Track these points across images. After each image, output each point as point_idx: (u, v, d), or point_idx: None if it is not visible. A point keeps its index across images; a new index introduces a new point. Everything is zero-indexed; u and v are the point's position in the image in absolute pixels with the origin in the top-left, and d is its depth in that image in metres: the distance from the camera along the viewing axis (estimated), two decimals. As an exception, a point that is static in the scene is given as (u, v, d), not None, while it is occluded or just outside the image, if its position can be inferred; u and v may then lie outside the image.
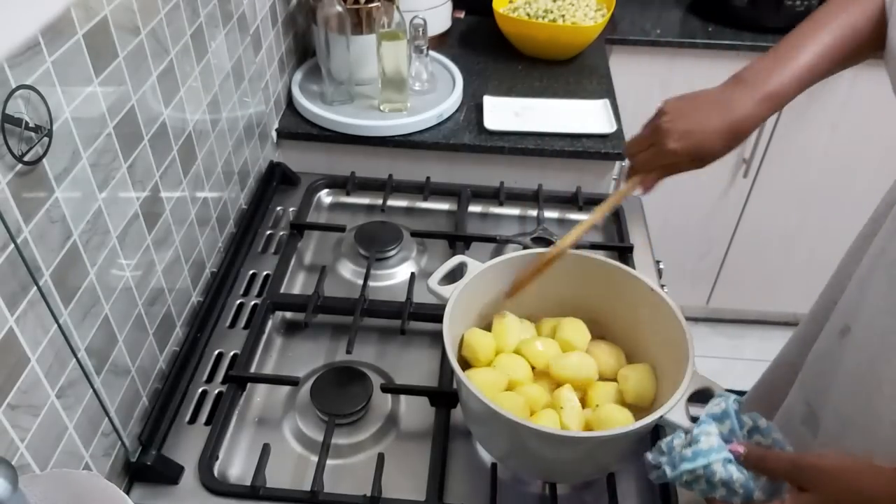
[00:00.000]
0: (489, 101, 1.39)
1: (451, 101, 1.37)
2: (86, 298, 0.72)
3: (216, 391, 0.94)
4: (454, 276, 0.87)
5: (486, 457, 0.86)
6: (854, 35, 0.76)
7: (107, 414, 0.77)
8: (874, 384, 0.70)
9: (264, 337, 1.01)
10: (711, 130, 0.75)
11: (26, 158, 0.60)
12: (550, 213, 1.23)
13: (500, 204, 1.24)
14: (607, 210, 0.84)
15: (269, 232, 1.19)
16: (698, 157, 0.76)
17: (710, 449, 0.65)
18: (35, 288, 0.63)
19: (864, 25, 0.76)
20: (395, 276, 1.12)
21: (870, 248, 0.76)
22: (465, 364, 0.85)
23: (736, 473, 0.64)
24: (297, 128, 1.35)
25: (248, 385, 0.94)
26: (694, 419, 0.71)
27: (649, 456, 0.69)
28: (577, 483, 0.86)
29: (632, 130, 1.38)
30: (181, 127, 0.92)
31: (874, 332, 0.71)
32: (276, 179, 1.27)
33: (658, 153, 0.78)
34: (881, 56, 0.76)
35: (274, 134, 1.33)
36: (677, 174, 0.79)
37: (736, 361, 2.26)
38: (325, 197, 1.29)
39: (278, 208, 1.24)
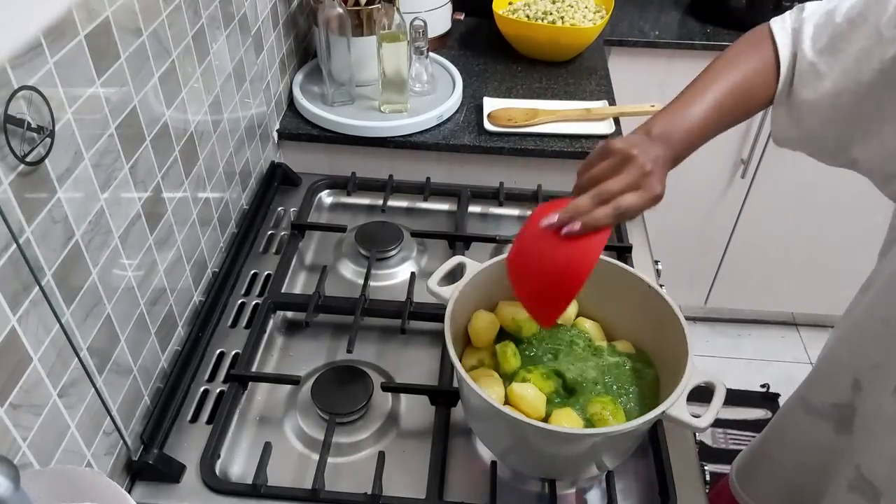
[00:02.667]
0: (489, 102, 1.40)
1: (451, 102, 1.37)
2: (88, 298, 0.72)
3: (218, 390, 0.94)
4: (454, 276, 0.87)
5: (486, 455, 0.87)
6: (745, 89, 0.76)
7: (109, 413, 0.77)
8: None
9: (265, 336, 1.02)
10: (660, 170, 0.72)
11: (28, 159, 0.61)
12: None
13: (500, 204, 1.25)
14: None
15: (270, 232, 1.19)
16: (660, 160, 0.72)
17: None
18: (37, 288, 0.63)
19: (754, 81, 0.76)
20: (396, 275, 1.12)
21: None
22: (466, 342, 0.86)
23: None
24: (298, 128, 1.35)
25: (250, 384, 0.94)
26: (695, 416, 0.71)
27: None
28: (576, 481, 0.86)
29: (631, 131, 1.39)
30: (183, 128, 0.92)
31: None
32: (278, 180, 1.27)
33: (621, 157, 0.71)
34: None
35: (275, 134, 1.33)
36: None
37: (734, 361, 2.26)
38: (326, 197, 1.29)
39: (279, 208, 1.24)
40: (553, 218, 0.70)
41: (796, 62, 0.75)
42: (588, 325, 0.89)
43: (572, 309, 0.88)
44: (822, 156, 0.77)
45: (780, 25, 0.77)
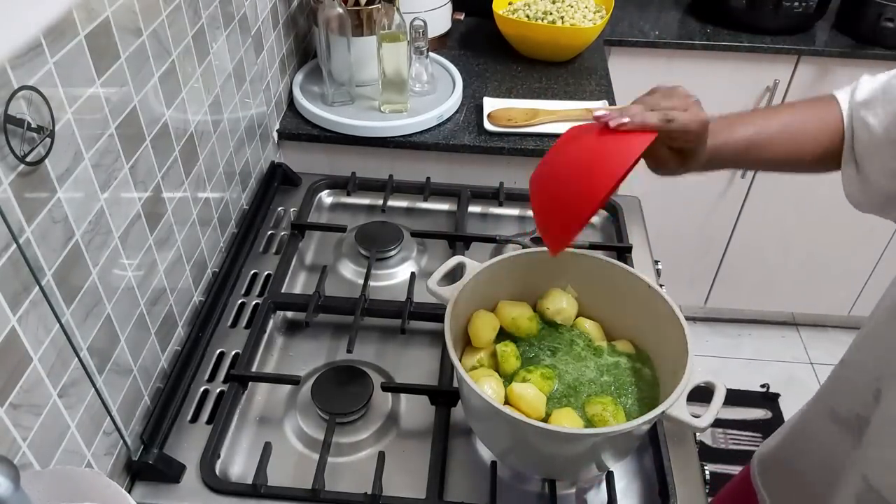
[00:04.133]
0: (489, 102, 1.40)
1: (451, 102, 1.37)
2: (88, 298, 0.72)
3: (218, 390, 0.94)
4: (454, 276, 0.87)
5: (486, 455, 0.87)
6: (799, 133, 0.77)
7: (109, 413, 0.77)
8: None
9: (265, 336, 1.02)
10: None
11: (28, 159, 0.61)
12: (550, 214, 1.24)
13: (500, 204, 1.25)
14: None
15: (270, 232, 1.20)
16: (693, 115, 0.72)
17: None
18: (37, 288, 0.63)
19: (812, 131, 0.77)
20: (396, 275, 1.12)
21: None
22: (467, 343, 0.86)
23: None
24: (298, 128, 1.35)
25: (250, 384, 0.94)
26: (695, 416, 0.71)
27: None
28: (576, 481, 0.86)
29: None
30: (183, 128, 0.92)
31: None
32: (278, 180, 1.27)
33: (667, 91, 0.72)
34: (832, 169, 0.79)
35: (275, 134, 1.33)
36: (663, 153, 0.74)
37: (734, 361, 2.26)
38: (326, 197, 1.29)
39: (279, 209, 1.24)
40: (602, 112, 0.68)
41: (852, 116, 0.76)
42: (588, 326, 0.89)
43: (572, 309, 0.88)
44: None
45: (844, 90, 0.79)
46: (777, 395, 2.13)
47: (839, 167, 0.77)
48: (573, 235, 0.75)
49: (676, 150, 0.72)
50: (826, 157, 0.77)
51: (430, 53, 1.43)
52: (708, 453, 1.99)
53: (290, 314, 1.06)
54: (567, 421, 0.76)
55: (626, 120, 0.67)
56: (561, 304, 0.87)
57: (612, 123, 0.67)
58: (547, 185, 0.73)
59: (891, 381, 0.71)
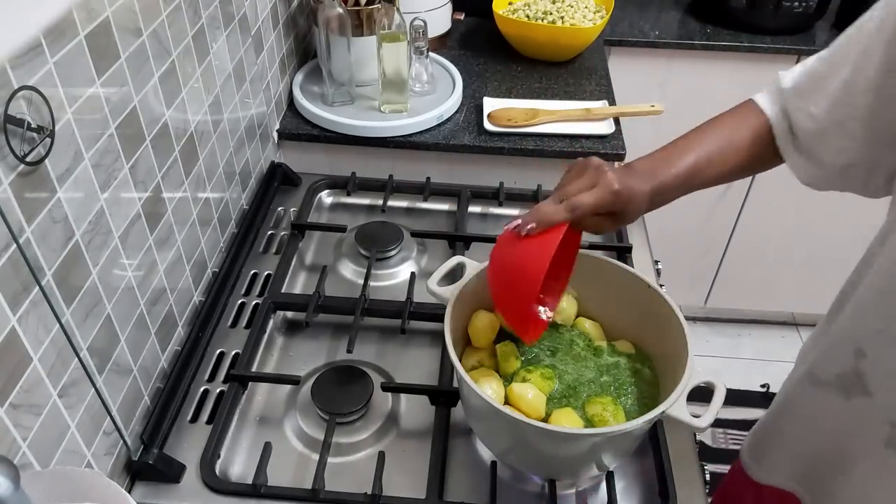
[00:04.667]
0: (489, 102, 1.40)
1: (451, 102, 1.37)
2: (88, 298, 0.72)
3: (218, 390, 0.94)
4: (453, 276, 0.87)
5: (486, 455, 0.87)
6: (731, 148, 0.80)
7: (109, 413, 0.77)
8: None
9: (265, 336, 1.02)
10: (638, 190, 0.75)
11: (28, 159, 0.61)
12: (550, 214, 1.24)
13: (500, 204, 1.25)
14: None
15: (270, 232, 1.20)
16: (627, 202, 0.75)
17: None
18: (37, 288, 0.63)
19: (741, 142, 0.80)
20: (396, 275, 1.12)
21: None
22: (467, 343, 0.86)
23: None
24: (298, 128, 1.35)
25: (250, 384, 0.94)
26: (695, 416, 0.71)
27: None
28: (576, 481, 0.86)
29: (630, 131, 1.39)
30: (183, 128, 0.92)
31: None
32: (278, 180, 1.27)
33: (595, 172, 0.75)
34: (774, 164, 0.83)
35: (275, 135, 1.33)
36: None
37: (734, 360, 2.27)
38: (326, 197, 1.29)
39: (279, 209, 1.24)
40: (515, 222, 0.74)
41: (787, 112, 0.79)
42: (588, 325, 0.89)
43: (572, 309, 0.88)
44: (856, 188, 0.79)
45: (761, 93, 0.83)
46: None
47: (778, 163, 0.82)
48: (533, 326, 0.82)
49: (607, 214, 0.75)
50: (763, 159, 0.82)
51: (430, 53, 1.43)
52: (708, 453, 1.99)
53: (290, 314, 1.06)
54: (567, 421, 0.76)
55: (532, 226, 0.72)
56: (560, 304, 0.87)
57: (522, 232, 0.72)
58: (495, 288, 0.79)
59: (875, 337, 0.74)
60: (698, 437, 0.94)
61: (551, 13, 1.56)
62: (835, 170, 0.77)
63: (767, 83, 0.83)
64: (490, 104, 1.40)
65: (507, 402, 0.78)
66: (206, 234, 1.03)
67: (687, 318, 0.79)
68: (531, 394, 0.77)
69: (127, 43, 0.76)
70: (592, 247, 1.12)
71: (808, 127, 0.77)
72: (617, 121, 1.37)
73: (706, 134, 0.81)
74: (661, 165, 0.78)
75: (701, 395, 0.76)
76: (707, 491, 0.86)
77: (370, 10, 1.32)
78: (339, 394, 0.90)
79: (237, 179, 1.15)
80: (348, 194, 1.26)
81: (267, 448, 0.84)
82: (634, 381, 0.82)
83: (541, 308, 0.85)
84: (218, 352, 0.99)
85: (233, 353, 0.99)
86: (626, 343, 0.87)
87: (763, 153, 0.81)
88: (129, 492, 0.82)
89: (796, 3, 1.71)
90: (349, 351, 0.93)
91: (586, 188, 0.72)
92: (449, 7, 1.61)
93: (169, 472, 0.82)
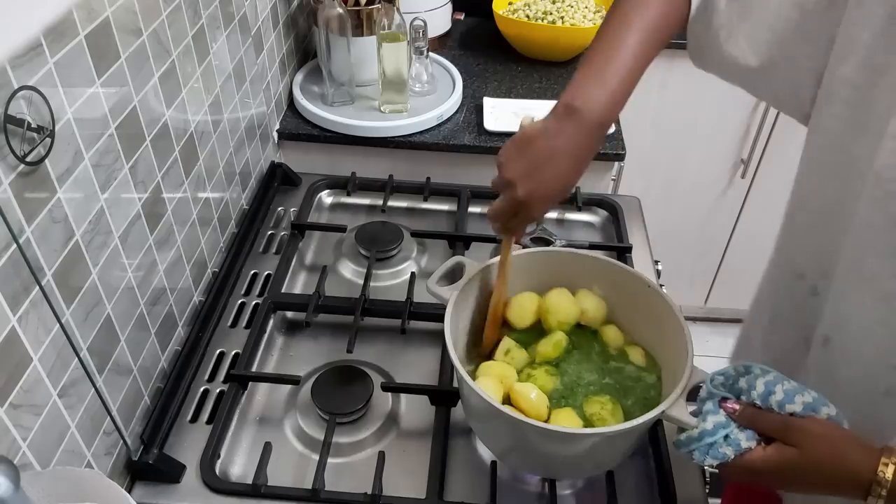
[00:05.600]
0: (489, 102, 1.40)
1: (451, 102, 1.37)
2: (88, 298, 0.72)
3: (218, 390, 0.94)
4: (453, 276, 0.87)
5: (486, 455, 0.87)
6: (664, 27, 0.74)
7: (109, 413, 0.77)
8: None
9: (265, 336, 1.02)
10: (556, 176, 0.73)
11: (28, 159, 0.61)
12: (549, 214, 1.24)
13: (500, 204, 1.24)
14: (505, 277, 0.85)
15: (270, 232, 1.20)
16: (552, 199, 0.75)
17: (718, 424, 0.68)
18: (37, 288, 0.63)
19: (673, 14, 0.75)
20: (396, 275, 1.12)
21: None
22: (466, 342, 0.87)
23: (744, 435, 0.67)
24: (298, 129, 1.35)
25: (250, 384, 0.94)
26: (694, 415, 0.71)
27: (682, 450, 0.71)
28: (576, 481, 0.86)
29: (630, 131, 1.39)
30: (183, 128, 0.92)
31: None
32: (278, 180, 1.27)
33: (512, 205, 0.77)
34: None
35: (275, 135, 1.33)
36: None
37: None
38: (326, 197, 1.29)
39: (279, 209, 1.24)
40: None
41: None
42: (611, 332, 0.87)
43: (597, 312, 0.87)
44: (736, 80, 0.78)
45: None
46: (777, 395, 2.13)
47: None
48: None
49: None
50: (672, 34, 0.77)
51: (430, 53, 1.44)
52: (708, 453, 1.99)
53: (290, 314, 1.06)
54: (567, 421, 0.76)
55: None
56: (585, 305, 0.87)
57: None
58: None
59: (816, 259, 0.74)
60: (698, 437, 0.94)
61: (551, 13, 1.56)
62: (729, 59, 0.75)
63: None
64: (490, 104, 1.40)
65: (508, 401, 0.78)
66: (206, 234, 1.03)
67: (687, 318, 0.79)
68: (534, 394, 0.77)
69: (127, 43, 0.76)
70: (593, 247, 1.12)
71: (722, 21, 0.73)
72: (617, 121, 1.37)
73: (632, 23, 0.73)
74: (600, 88, 0.72)
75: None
76: (707, 491, 0.86)
77: (370, 10, 1.32)
78: (339, 394, 0.90)
79: (237, 179, 1.15)
80: (348, 194, 1.26)
81: (267, 448, 0.84)
82: (636, 385, 0.82)
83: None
84: (218, 352, 0.99)
85: (233, 352, 0.99)
86: (638, 351, 0.87)
87: (677, 24, 0.76)
88: (129, 492, 0.82)
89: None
90: (349, 351, 0.93)
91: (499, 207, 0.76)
92: (449, 7, 1.61)
93: (169, 472, 0.82)
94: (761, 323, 0.89)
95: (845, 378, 0.71)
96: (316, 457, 0.84)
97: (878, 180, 0.62)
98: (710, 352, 2.27)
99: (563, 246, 1.09)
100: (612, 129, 1.34)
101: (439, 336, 0.79)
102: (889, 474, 0.59)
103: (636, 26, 0.73)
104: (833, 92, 0.69)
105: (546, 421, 0.76)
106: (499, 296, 0.85)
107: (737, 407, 0.68)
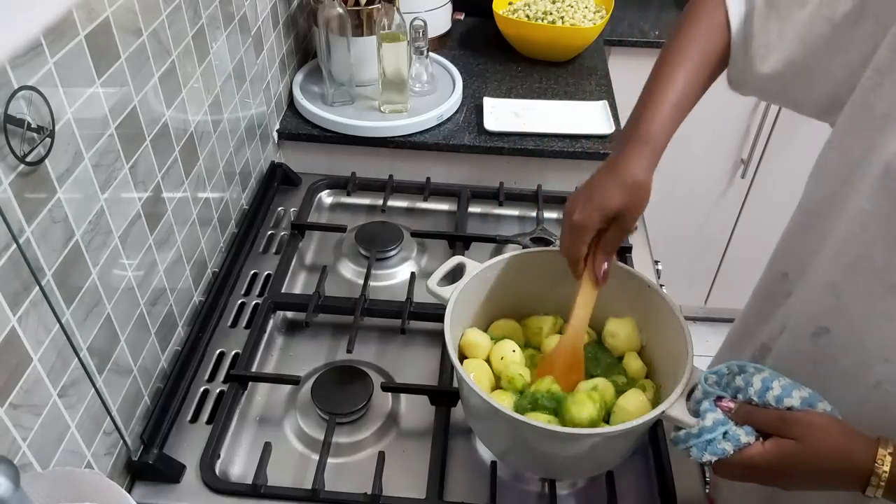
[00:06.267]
0: (489, 102, 1.40)
1: (451, 102, 1.37)
2: (88, 298, 0.72)
3: (218, 390, 0.94)
4: (453, 276, 0.87)
5: (486, 455, 0.87)
6: (707, 62, 0.80)
7: (109, 413, 0.77)
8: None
9: (265, 336, 1.02)
10: (611, 189, 0.77)
11: (28, 159, 0.61)
12: (549, 214, 1.24)
13: (500, 204, 1.25)
14: (587, 315, 0.83)
15: (270, 232, 1.20)
16: (639, 202, 0.78)
17: (717, 421, 0.68)
18: (37, 288, 0.63)
19: (713, 49, 0.79)
20: (396, 275, 1.12)
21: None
22: (463, 358, 0.86)
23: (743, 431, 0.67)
24: (299, 129, 1.35)
25: (250, 384, 0.94)
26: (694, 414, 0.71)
27: (680, 446, 0.71)
28: (576, 481, 0.86)
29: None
30: (183, 128, 0.92)
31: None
32: (278, 180, 1.27)
33: (586, 227, 0.77)
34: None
35: (275, 135, 1.33)
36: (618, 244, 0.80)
37: (735, 361, 2.26)
38: (326, 197, 1.29)
39: (279, 209, 1.24)
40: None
41: (754, 16, 0.77)
42: (634, 364, 0.86)
43: (623, 343, 0.86)
44: (776, 97, 0.81)
45: None
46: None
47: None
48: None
49: None
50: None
51: (430, 53, 1.43)
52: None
53: (290, 314, 1.06)
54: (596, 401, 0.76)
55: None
56: (614, 329, 0.86)
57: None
58: None
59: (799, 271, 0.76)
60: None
61: (551, 13, 1.56)
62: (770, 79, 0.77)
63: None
64: (490, 104, 1.40)
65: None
66: (206, 234, 1.03)
67: (687, 318, 0.79)
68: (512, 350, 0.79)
69: (127, 43, 0.76)
70: (592, 247, 1.11)
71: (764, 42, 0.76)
72: (617, 121, 1.37)
73: (677, 70, 0.79)
74: (656, 123, 0.78)
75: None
76: (707, 491, 0.86)
77: (370, 10, 1.32)
78: (339, 394, 0.90)
79: (237, 179, 1.15)
80: (348, 194, 1.26)
81: (267, 448, 0.84)
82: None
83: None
84: (218, 352, 0.99)
85: (233, 353, 0.99)
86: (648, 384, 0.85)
87: (723, 61, 0.81)
88: (129, 492, 0.82)
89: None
90: (349, 351, 0.93)
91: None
92: (449, 7, 1.61)
93: (169, 472, 0.82)
94: (746, 321, 0.91)
95: (839, 370, 0.71)
96: (316, 457, 0.84)
97: (888, 171, 0.63)
98: (710, 352, 2.26)
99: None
100: (611, 129, 1.34)
101: (439, 336, 0.79)
102: (887, 466, 0.60)
103: (683, 66, 0.79)
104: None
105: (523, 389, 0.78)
106: (577, 337, 0.83)
107: (732, 405, 0.68)
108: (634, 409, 0.76)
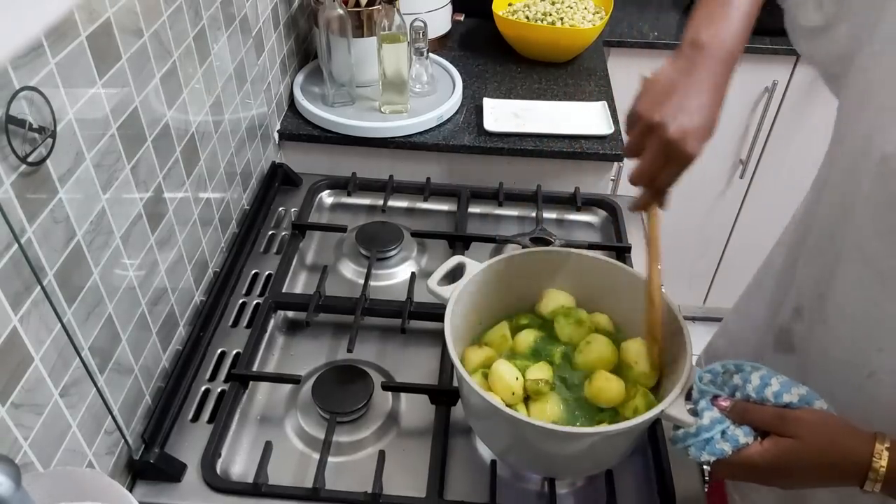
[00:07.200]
0: (489, 103, 1.40)
1: (451, 102, 1.38)
2: (89, 298, 0.72)
3: (219, 389, 0.94)
4: (454, 275, 0.88)
5: (486, 454, 0.87)
6: None
7: (110, 412, 0.78)
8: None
9: (266, 336, 1.02)
10: (702, 106, 0.71)
11: (30, 159, 0.61)
12: (549, 214, 1.24)
13: (500, 204, 1.25)
14: (658, 256, 0.81)
15: (271, 232, 1.20)
16: (704, 133, 0.70)
17: (715, 420, 0.68)
18: (39, 288, 0.63)
19: None
20: (396, 275, 1.12)
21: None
22: (467, 342, 0.87)
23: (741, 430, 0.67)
24: (299, 129, 1.36)
25: (251, 383, 0.94)
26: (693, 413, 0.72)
27: (678, 445, 0.71)
28: (576, 480, 0.86)
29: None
30: (184, 128, 0.92)
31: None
32: (278, 180, 1.27)
33: (662, 151, 0.69)
34: None
35: (276, 135, 1.34)
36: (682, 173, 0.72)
37: (735, 361, 2.26)
38: (327, 197, 1.29)
39: (280, 209, 1.25)
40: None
41: None
42: (604, 321, 0.87)
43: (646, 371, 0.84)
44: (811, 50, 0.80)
45: None
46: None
47: None
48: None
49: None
50: None
51: (430, 54, 1.44)
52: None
53: (290, 314, 1.06)
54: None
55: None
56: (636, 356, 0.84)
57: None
58: None
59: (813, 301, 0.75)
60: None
61: (551, 14, 1.57)
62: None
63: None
64: (490, 105, 1.40)
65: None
66: (208, 234, 1.04)
67: (687, 318, 0.79)
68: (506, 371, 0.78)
69: (128, 44, 0.76)
70: (592, 247, 1.12)
71: None
72: (616, 121, 1.37)
73: None
74: (724, 28, 0.73)
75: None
76: (706, 490, 0.86)
77: (370, 11, 1.32)
78: (340, 393, 0.90)
79: (238, 180, 1.15)
80: (349, 194, 1.27)
81: (268, 447, 0.84)
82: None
83: None
84: (219, 351, 0.99)
85: (234, 352, 0.99)
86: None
87: None
88: (131, 491, 0.82)
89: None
90: (349, 350, 0.93)
91: (656, 166, 0.68)
92: (449, 8, 1.61)
93: (170, 472, 0.83)
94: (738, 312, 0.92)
95: (833, 360, 0.71)
96: (316, 456, 0.84)
97: (885, 159, 0.63)
98: (710, 352, 2.28)
99: (562, 246, 1.09)
100: (611, 129, 1.35)
101: (439, 336, 0.79)
102: (884, 461, 0.60)
103: None
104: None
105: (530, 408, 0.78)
106: (655, 285, 0.79)
107: (727, 404, 0.68)
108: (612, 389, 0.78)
